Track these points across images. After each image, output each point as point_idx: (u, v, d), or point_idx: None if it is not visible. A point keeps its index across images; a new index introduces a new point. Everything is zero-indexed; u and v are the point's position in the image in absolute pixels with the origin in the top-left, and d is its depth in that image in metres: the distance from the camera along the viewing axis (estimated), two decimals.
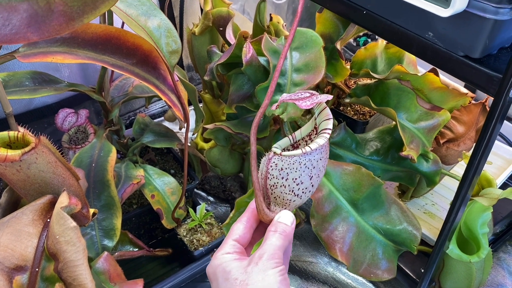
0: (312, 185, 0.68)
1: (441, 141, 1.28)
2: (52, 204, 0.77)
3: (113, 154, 1.20)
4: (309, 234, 1.59)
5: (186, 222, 1.40)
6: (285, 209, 0.69)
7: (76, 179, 0.85)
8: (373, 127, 1.33)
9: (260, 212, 0.68)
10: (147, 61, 0.95)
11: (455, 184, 1.47)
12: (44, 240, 0.71)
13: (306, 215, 1.41)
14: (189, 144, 1.57)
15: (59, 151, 1.45)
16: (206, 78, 1.14)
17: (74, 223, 0.68)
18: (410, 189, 1.37)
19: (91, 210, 0.89)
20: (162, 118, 1.79)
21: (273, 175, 0.66)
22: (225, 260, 0.64)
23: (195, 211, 1.41)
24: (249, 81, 1.16)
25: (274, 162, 0.66)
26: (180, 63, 1.77)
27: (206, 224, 1.39)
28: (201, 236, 1.36)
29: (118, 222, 1.12)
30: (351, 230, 1.07)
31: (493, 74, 0.79)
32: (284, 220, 0.67)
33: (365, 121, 1.34)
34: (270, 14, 1.39)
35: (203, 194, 1.68)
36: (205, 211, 1.39)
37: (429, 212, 1.41)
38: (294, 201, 0.69)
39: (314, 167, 0.66)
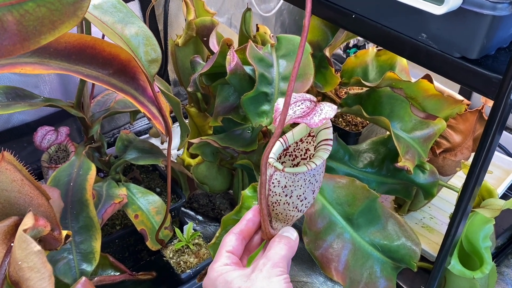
0: (314, 198, 0.66)
1: (438, 151, 1.23)
2: (17, 227, 0.70)
3: (93, 172, 1.13)
4: (303, 252, 1.52)
5: (172, 243, 1.33)
6: (287, 224, 0.67)
7: (47, 198, 0.78)
8: (366, 138, 1.28)
9: (265, 234, 0.67)
10: (125, 71, 0.90)
11: (453, 197, 1.41)
12: (6, 267, 0.64)
13: (299, 232, 1.34)
14: (175, 161, 1.51)
15: (36, 171, 1.37)
16: (189, 89, 1.09)
17: (38, 247, 0.61)
18: (407, 203, 1.32)
19: (64, 232, 0.82)
20: (148, 135, 1.73)
21: (275, 192, 0.63)
22: (226, 270, 0.62)
23: (182, 231, 1.33)
24: (235, 92, 1.10)
25: (276, 178, 0.62)
26: (166, 78, 1.72)
27: (193, 244, 1.32)
28: (189, 258, 1.29)
29: (97, 244, 1.04)
30: (346, 247, 1.01)
31: (492, 76, 0.74)
32: (288, 234, 0.66)
33: (358, 132, 1.29)
34: (257, 25, 1.34)
35: (191, 213, 1.61)
36: (193, 231, 1.32)
37: (427, 226, 1.35)
38: (297, 216, 0.66)
39: (316, 181, 0.64)
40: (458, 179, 1.43)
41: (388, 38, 0.88)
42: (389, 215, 1.04)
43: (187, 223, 1.36)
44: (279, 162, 0.69)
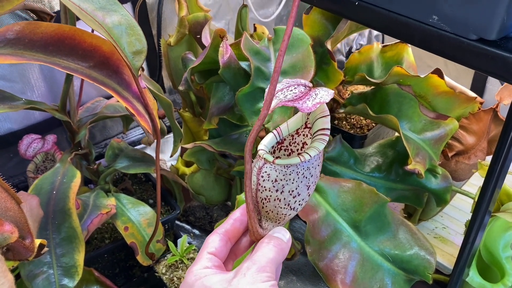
0: (309, 195, 0.60)
1: (450, 155, 1.14)
2: None
3: (77, 180, 1.05)
4: (306, 267, 1.42)
5: (165, 257, 1.23)
6: (279, 224, 0.61)
7: (17, 202, 0.70)
8: (372, 142, 1.19)
9: (253, 234, 0.59)
10: (107, 64, 0.82)
11: (467, 205, 1.32)
12: None
13: (302, 245, 1.24)
14: (169, 169, 1.42)
15: (23, 183, 1.29)
16: (180, 88, 1.01)
17: None
18: (418, 211, 1.22)
19: (37, 241, 0.74)
20: (143, 145, 1.65)
21: (265, 187, 0.56)
22: (205, 274, 0.55)
23: (176, 244, 1.24)
24: (231, 92, 1.03)
25: (266, 171, 0.55)
26: (161, 84, 1.65)
27: (188, 259, 1.22)
28: (183, 273, 1.19)
29: (80, 257, 0.95)
30: (354, 258, 0.91)
31: None
32: (279, 235, 0.58)
33: (363, 135, 1.20)
34: (254, 25, 1.27)
35: (188, 226, 1.51)
36: (187, 244, 1.23)
37: (440, 236, 1.25)
38: (290, 215, 0.60)
39: (312, 175, 0.57)
40: (472, 187, 1.34)
41: (395, 24, 0.80)
42: (399, 222, 0.95)
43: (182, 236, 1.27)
44: (273, 156, 0.62)
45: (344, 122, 1.25)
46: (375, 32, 1.93)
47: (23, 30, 0.78)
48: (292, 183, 0.56)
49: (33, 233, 0.74)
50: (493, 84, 1.52)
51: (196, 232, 1.51)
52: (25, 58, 0.75)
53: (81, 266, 0.95)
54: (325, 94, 0.54)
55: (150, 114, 0.85)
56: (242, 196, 0.90)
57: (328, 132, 0.57)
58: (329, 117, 0.58)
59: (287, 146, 0.63)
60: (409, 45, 1.13)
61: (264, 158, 0.55)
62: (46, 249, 0.78)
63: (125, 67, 0.83)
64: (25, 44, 0.78)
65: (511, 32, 0.69)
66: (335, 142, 1.05)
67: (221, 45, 0.87)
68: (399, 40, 1.13)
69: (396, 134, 1.17)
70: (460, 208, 1.32)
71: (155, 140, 0.90)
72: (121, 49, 0.79)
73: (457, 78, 1.13)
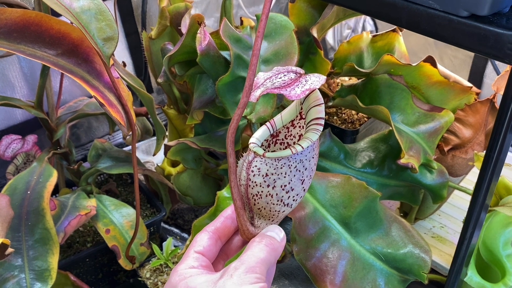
0: (304, 189, 0.56)
1: (446, 149, 1.09)
2: None
3: (53, 179, 1.00)
4: (299, 270, 1.36)
5: (150, 261, 1.18)
6: (272, 221, 0.57)
7: None
8: (364, 137, 1.14)
9: (243, 233, 0.56)
10: (76, 52, 0.78)
11: (465, 202, 1.26)
12: None
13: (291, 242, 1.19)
14: (154, 170, 1.37)
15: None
16: (160, 80, 0.96)
17: None
18: (414, 209, 1.17)
19: None
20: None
21: (255, 182, 0.53)
22: (189, 274, 0.51)
23: (161, 248, 1.18)
24: (213, 84, 0.98)
25: (256, 166, 0.52)
26: (147, 84, 1.60)
27: (173, 263, 1.16)
28: (168, 278, 1.14)
29: (54, 260, 0.90)
30: (344, 257, 0.86)
31: (508, 34, 0.61)
32: (273, 234, 0.55)
33: (355, 130, 1.15)
34: (241, 18, 1.23)
35: (176, 230, 1.46)
36: (173, 247, 1.17)
37: (437, 235, 1.19)
38: (284, 211, 0.56)
39: (306, 169, 0.54)
40: (470, 183, 1.29)
41: (381, 5, 0.75)
42: (392, 219, 0.89)
43: None
44: (268, 151, 0.58)
45: (335, 117, 1.20)
46: (368, 27, 1.89)
47: None
48: (284, 177, 0.53)
49: None
50: (490, 78, 1.47)
51: (185, 235, 1.45)
52: None
53: (55, 270, 0.90)
54: (316, 80, 0.49)
55: (123, 105, 0.80)
56: (223, 193, 0.85)
57: (322, 122, 0.52)
58: (323, 105, 0.53)
59: (282, 139, 0.59)
60: (401, 34, 1.08)
61: (254, 152, 0.52)
62: (10, 250, 0.74)
63: (95, 55, 0.79)
64: None
65: (503, 7, 0.64)
66: (324, 136, 1.00)
67: (198, 32, 0.82)
68: (390, 29, 1.08)
69: (389, 128, 1.12)
70: (458, 206, 1.26)
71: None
72: (90, 36, 0.74)
73: (453, 71, 1.08)
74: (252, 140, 0.54)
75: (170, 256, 1.16)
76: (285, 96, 0.48)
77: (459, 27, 0.66)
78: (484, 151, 1.11)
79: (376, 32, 1.89)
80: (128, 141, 1.32)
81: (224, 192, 0.86)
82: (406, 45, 1.12)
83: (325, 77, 0.51)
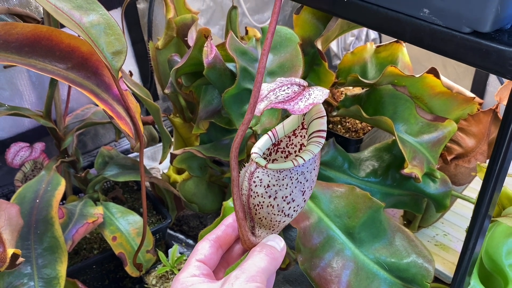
0: (304, 200, 0.56)
1: (449, 158, 1.10)
2: None
3: (61, 188, 1.01)
4: (304, 277, 1.37)
5: (156, 268, 1.19)
6: (273, 231, 0.58)
7: None
8: (368, 146, 1.15)
9: (244, 242, 0.57)
10: (86, 66, 0.79)
11: (468, 211, 1.27)
12: None
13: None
14: (160, 177, 1.38)
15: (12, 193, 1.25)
16: (167, 91, 0.98)
17: None
18: (417, 217, 1.17)
19: (10, 251, 0.70)
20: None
21: (257, 193, 0.54)
22: (192, 282, 0.52)
23: (167, 254, 1.20)
24: (219, 95, 0.99)
25: (258, 176, 0.53)
26: (153, 92, 1.62)
27: (179, 270, 1.18)
28: None
29: (62, 268, 0.92)
30: (348, 267, 0.87)
31: (510, 51, 0.62)
32: (273, 243, 0.55)
33: (359, 139, 1.16)
34: (246, 27, 1.24)
35: (181, 236, 1.47)
36: (179, 254, 1.19)
37: (441, 243, 1.20)
38: (284, 221, 0.57)
39: (307, 180, 0.55)
40: (473, 192, 1.30)
41: (385, 20, 0.76)
42: (396, 228, 0.90)
43: None
44: (269, 159, 0.59)
45: (339, 126, 1.21)
46: (371, 36, 1.90)
47: None
48: (286, 188, 0.53)
49: (5, 243, 0.71)
50: (493, 87, 1.48)
51: (190, 242, 1.47)
52: None
53: (64, 278, 0.91)
54: (319, 94, 0.50)
55: (132, 117, 0.81)
56: (229, 203, 0.86)
57: (324, 134, 0.53)
58: (325, 118, 0.54)
59: (284, 148, 0.60)
60: (404, 45, 1.10)
61: (256, 162, 0.52)
62: (21, 259, 0.75)
63: (104, 68, 0.80)
64: None
65: (505, 24, 0.65)
66: (328, 146, 1.01)
67: (205, 45, 0.83)
68: (394, 40, 1.10)
69: (393, 137, 1.13)
70: (461, 214, 1.27)
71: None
72: (100, 50, 0.76)
73: (457, 80, 1.09)
74: (254, 149, 0.54)
75: (176, 263, 1.17)
76: (288, 110, 0.49)
77: (461, 43, 0.67)
78: (487, 161, 1.12)
79: (380, 40, 1.90)
80: (135, 149, 1.33)
81: (230, 202, 0.87)
82: (410, 53, 1.13)
83: (328, 90, 0.52)
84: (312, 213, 0.89)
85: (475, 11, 0.63)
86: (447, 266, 1.13)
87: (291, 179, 0.53)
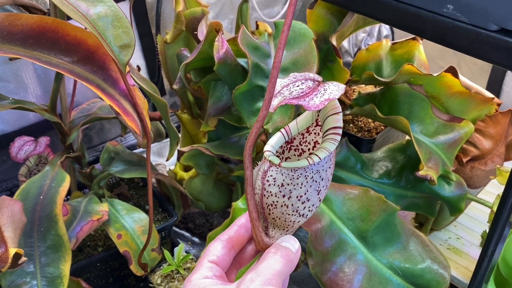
0: (319, 200, 0.55)
1: (464, 160, 1.07)
2: None
3: (66, 184, 0.99)
4: (311, 278, 1.34)
5: (161, 267, 1.17)
6: (287, 232, 0.56)
7: None
8: (380, 146, 1.12)
9: (258, 244, 0.55)
10: (92, 59, 0.76)
11: (482, 214, 1.24)
12: None
13: (306, 255, 1.17)
14: (166, 173, 1.36)
15: (16, 187, 1.23)
16: (175, 86, 0.95)
17: None
18: (430, 220, 1.14)
19: (12, 251, 0.68)
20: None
21: (271, 192, 0.52)
22: (204, 285, 0.50)
23: (172, 253, 1.17)
24: (229, 91, 0.96)
25: (271, 175, 0.51)
26: (160, 86, 1.59)
27: (185, 269, 1.15)
28: (179, 284, 1.13)
29: (66, 267, 0.89)
30: (360, 271, 0.84)
31: None
32: (288, 245, 0.53)
33: (371, 138, 1.13)
34: (257, 22, 1.21)
35: (187, 234, 1.45)
36: (184, 253, 1.16)
37: (453, 247, 1.17)
38: (299, 222, 0.55)
39: (322, 179, 0.53)
40: (488, 195, 1.26)
41: (405, 16, 0.73)
42: (410, 232, 0.87)
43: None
44: (282, 157, 0.57)
45: (351, 125, 1.18)
46: (384, 32, 1.86)
47: (2, 22, 0.73)
48: (300, 187, 0.51)
49: (7, 242, 0.68)
50: (509, 86, 1.44)
51: (196, 240, 1.45)
52: (2, 51, 0.69)
53: (67, 277, 0.89)
54: (335, 89, 0.48)
55: (139, 114, 0.79)
56: (238, 204, 0.83)
57: (340, 131, 0.51)
58: (341, 114, 0.51)
59: (297, 145, 0.58)
60: (421, 43, 1.06)
61: (269, 161, 0.50)
62: (24, 259, 0.73)
63: (111, 62, 0.78)
64: (3, 36, 0.72)
65: None
66: (340, 145, 0.98)
67: (216, 39, 0.80)
68: (410, 37, 1.06)
69: (407, 137, 1.10)
70: (475, 218, 1.24)
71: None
72: (107, 43, 0.73)
73: (472, 79, 1.05)
74: (267, 147, 0.52)
75: (181, 263, 1.15)
76: (303, 106, 0.47)
77: (487, 41, 0.64)
78: (504, 164, 1.08)
79: (392, 36, 1.86)
80: (142, 145, 1.30)
81: (239, 203, 0.84)
82: (425, 52, 1.10)
83: (344, 85, 0.49)
84: (324, 215, 0.86)
85: (503, 7, 0.60)
86: (459, 270, 1.10)
87: (306, 178, 0.51)
